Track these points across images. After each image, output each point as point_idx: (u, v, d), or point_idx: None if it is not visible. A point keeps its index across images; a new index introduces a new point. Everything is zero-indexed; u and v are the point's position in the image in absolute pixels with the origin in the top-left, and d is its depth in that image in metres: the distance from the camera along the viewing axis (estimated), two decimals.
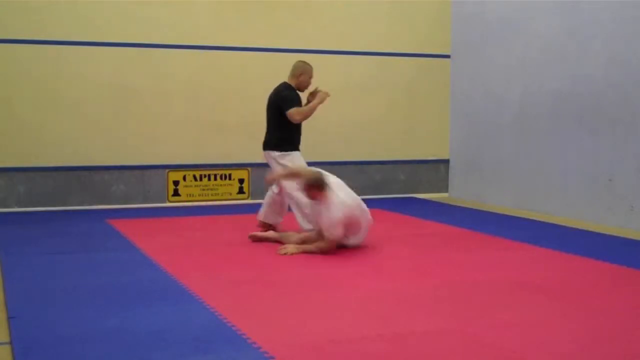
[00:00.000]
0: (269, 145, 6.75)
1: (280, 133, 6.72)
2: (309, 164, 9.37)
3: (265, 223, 6.81)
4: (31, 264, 5.58)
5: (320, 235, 6.03)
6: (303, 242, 6.12)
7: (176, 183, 8.96)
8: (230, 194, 9.10)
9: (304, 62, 6.85)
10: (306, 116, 6.66)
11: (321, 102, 6.70)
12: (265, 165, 7.03)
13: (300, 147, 6.88)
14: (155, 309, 4.33)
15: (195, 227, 7.36)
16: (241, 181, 9.12)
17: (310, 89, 6.83)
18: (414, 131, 10.03)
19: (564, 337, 3.88)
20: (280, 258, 5.89)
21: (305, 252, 5.95)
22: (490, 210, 8.77)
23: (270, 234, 6.55)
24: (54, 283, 4.99)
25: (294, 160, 6.66)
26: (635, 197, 7.34)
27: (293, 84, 6.78)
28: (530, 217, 8.16)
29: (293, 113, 6.58)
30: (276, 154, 6.69)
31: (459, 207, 9.14)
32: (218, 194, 9.11)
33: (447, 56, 10.08)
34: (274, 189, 6.75)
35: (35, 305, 4.45)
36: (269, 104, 6.79)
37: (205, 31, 9.00)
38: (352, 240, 6.12)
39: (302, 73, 6.76)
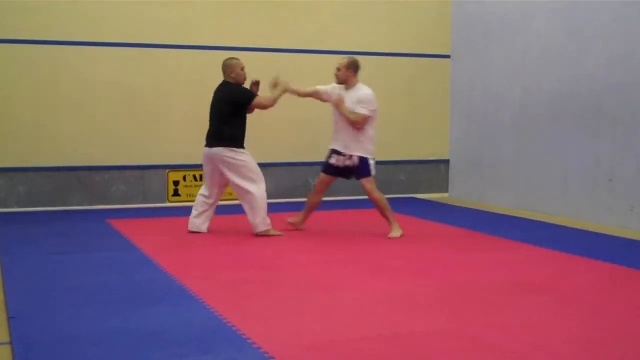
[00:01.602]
0: (222, 141, 6.69)
1: (236, 130, 6.74)
2: (311, 163, 9.42)
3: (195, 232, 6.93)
4: (31, 264, 5.58)
5: None
6: None
7: (176, 183, 8.96)
8: (230, 194, 9.06)
9: (230, 58, 6.90)
10: (274, 103, 6.77)
11: (283, 92, 6.82)
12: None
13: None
14: (155, 309, 4.33)
15: None
16: None
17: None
18: (414, 131, 10.03)
19: (564, 337, 3.88)
20: (280, 258, 5.90)
21: None
22: (490, 210, 8.77)
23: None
24: (54, 283, 5.00)
25: (249, 158, 6.73)
26: (635, 197, 7.34)
27: (232, 82, 6.84)
28: (530, 217, 8.16)
29: (262, 101, 6.72)
30: (232, 150, 6.68)
31: (459, 207, 9.14)
32: None
33: (447, 56, 10.08)
34: (204, 191, 6.89)
35: (35, 305, 4.46)
36: (221, 101, 6.78)
37: (205, 31, 8.99)
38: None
39: (233, 70, 6.82)
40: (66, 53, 8.46)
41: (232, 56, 7.02)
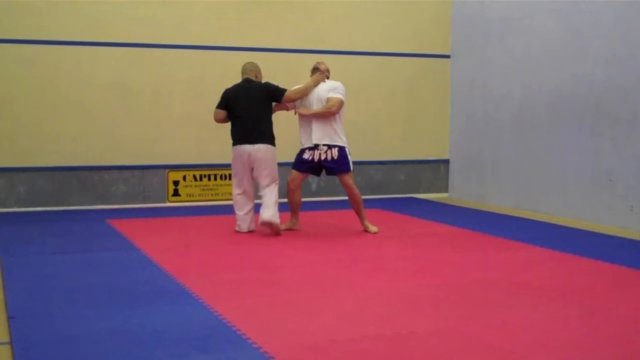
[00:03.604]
0: (267, 138, 6.84)
1: (272, 126, 6.94)
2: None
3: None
4: (31, 264, 5.58)
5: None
6: None
7: (176, 183, 8.96)
8: (230, 194, 9.09)
9: (251, 62, 7.13)
10: (303, 94, 6.90)
11: (316, 83, 6.93)
12: None
13: None
14: (155, 309, 4.34)
15: (195, 227, 7.36)
16: None
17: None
18: (414, 131, 10.03)
19: (564, 337, 3.88)
20: (280, 258, 5.90)
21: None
22: (490, 210, 8.77)
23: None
24: (54, 283, 5.00)
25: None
26: (635, 197, 7.35)
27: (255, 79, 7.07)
28: (530, 217, 8.17)
29: (291, 93, 6.86)
30: (273, 147, 6.89)
31: (459, 207, 9.14)
32: (218, 194, 9.12)
33: (447, 56, 10.08)
34: (242, 190, 6.93)
35: (35, 305, 4.46)
36: (261, 97, 6.87)
37: (205, 31, 9.00)
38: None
39: (259, 71, 7.06)
40: (66, 53, 8.47)
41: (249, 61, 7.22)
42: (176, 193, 8.98)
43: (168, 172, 8.95)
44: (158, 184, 8.92)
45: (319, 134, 6.79)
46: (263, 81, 7.06)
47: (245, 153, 6.80)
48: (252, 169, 6.86)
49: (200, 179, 9.04)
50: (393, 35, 9.86)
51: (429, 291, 4.82)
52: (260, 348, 3.62)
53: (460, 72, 9.94)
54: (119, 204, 8.75)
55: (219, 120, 7.06)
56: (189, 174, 9.02)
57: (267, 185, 6.82)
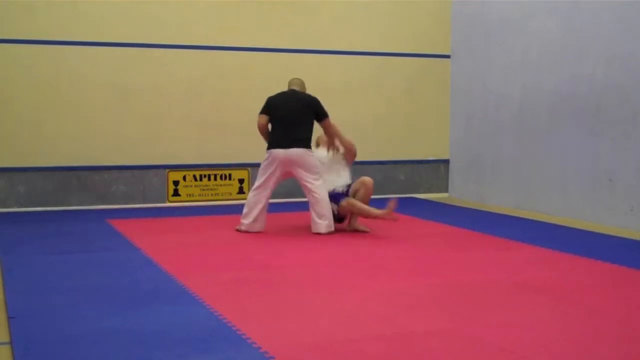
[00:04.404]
0: (305, 143, 6.89)
1: (311, 134, 6.99)
2: None
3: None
4: (31, 264, 5.58)
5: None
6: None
7: (176, 183, 8.96)
8: (230, 194, 9.11)
9: (299, 78, 7.26)
10: (338, 137, 7.19)
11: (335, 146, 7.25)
12: None
13: None
14: (155, 309, 4.34)
15: (195, 227, 7.36)
16: (241, 181, 9.13)
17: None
18: (414, 131, 10.03)
19: (564, 337, 3.88)
20: (280, 258, 5.90)
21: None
22: (490, 210, 8.77)
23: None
24: (54, 283, 5.00)
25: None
26: (635, 197, 7.34)
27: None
28: (530, 217, 8.17)
29: (330, 124, 7.05)
30: (311, 152, 6.95)
31: (459, 207, 9.14)
32: (218, 194, 9.12)
33: (447, 56, 10.08)
34: (260, 192, 6.96)
35: (35, 305, 4.45)
36: (304, 106, 6.93)
37: (205, 31, 9.00)
38: None
39: (305, 88, 7.17)
40: (66, 53, 8.47)
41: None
42: (176, 193, 8.98)
43: (168, 172, 8.95)
44: (158, 184, 8.92)
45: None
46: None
47: (278, 158, 6.80)
48: (285, 175, 6.92)
49: (200, 179, 9.04)
50: (393, 35, 9.86)
51: (429, 291, 4.82)
52: (260, 348, 3.62)
53: (460, 72, 9.94)
54: (119, 204, 8.75)
55: (262, 127, 6.99)
56: (189, 174, 9.02)
57: (315, 181, 6.83)
